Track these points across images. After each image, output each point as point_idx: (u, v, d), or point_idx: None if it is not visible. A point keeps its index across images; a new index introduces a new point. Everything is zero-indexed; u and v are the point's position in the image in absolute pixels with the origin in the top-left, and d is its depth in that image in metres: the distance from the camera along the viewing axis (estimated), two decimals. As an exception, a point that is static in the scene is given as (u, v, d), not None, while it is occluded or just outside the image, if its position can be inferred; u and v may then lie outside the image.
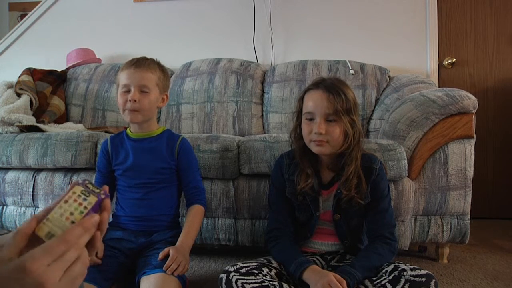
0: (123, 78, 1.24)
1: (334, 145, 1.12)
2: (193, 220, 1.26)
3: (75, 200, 0.51)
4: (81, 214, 0.50)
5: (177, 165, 1.30)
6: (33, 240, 0.47)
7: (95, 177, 1.37)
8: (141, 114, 1.23)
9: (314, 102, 1.13)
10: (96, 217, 0.50)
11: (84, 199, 0.52)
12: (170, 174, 1.29)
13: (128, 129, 1.34)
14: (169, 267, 1.09)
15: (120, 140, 1.33)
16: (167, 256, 1.12)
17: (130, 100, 1.20)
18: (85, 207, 0.51)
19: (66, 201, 0.51)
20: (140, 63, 1.24)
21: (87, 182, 0.53)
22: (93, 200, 0.52)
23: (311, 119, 1.14)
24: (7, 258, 0.43)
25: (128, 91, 1.22)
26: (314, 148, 1.14)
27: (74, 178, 1.63)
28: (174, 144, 1.30)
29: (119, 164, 1.30)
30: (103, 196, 0.53)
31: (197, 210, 1.28)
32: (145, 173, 1.27)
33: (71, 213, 0.50)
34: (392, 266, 1.04)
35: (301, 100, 1.20)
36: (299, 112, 1.20)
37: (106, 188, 0.54)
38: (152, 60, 1.29)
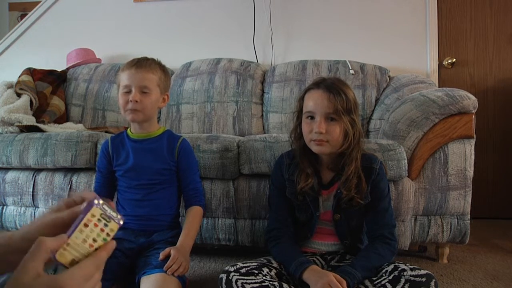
0: (124, 78, 1.24)
1: (334, 145, 1.13)
2: (192, 221, 1.26)
3: (95, 225, 0.51)
4: (104, 241, 0.51)
5: (177, 166, 1.30)
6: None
7: (96, 177, 1.37)
8: (142, 113, 1.24)
9: (315, 101, 1.13)
10: (114, 243, 0.53)
11: (105, 225, 0.52)
12: (170, 175, 1.29)
13: (128, 129, 1.33)
14: (170, 267, 1.09)
15: (121, 140, 1.33)
16: (167, 257, 1.12)
17: (131, 101, 1.20)
18: (108, 234, 0.52)
19: (86, 225, 0.51)
20: (141, 64, 1.24)
21: (103, 203, 0.53)
22: (114, 227, 0.53)
23: (312, 118, 1.14)
24: (35, 272, 0.45)
25: (129, 92, 1.22)
26: (314, 148, 1.14)
27: (74, 178, 1.63)
28: (174, 145, 1.30)
29: (119, 165, 1.30)
30: (122, 222, 0.54)
31: (196, 211, 1.28)
32: (146, 174, 1.27)
33: (94, 240, 0.51)
34: (392, 266, 1.04)
35: (301, 99, 1.20)
36: (299, 112, 1.20)
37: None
38: (153, 60, 1.29)
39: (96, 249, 0.51)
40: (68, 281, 0.45)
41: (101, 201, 0.53)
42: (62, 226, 0.53)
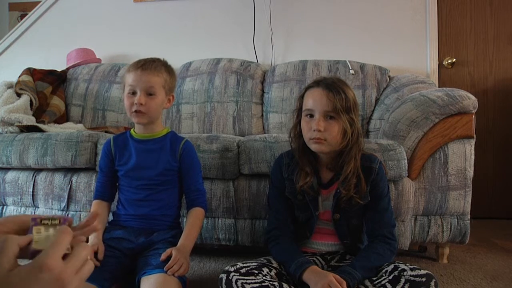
0: (129, 79, 1.23)
1: (332, 144, 1.12)
2: (194, 222, 1.26)
3: (46, 230, 0.51)
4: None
5: (179, 167, 1.30)
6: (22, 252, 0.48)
7: (97, 177, 1.37)
8: (147, 116, 1.24)
9: (314, 99, 1.14)
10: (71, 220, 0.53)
11: (55, 229, 0.51)
12: (172, 176, 1.29)
13: (132, 129, 1.34)
14: (171, 268, 1.09)
15: (124, 140, 1.33)
16: (168, 257, 1.12)
17: (136, 104, 1.20)
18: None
19: (38, 233, 0.51)
20: (147, 66, 1.23)
21: (38, 220, 0.52)
22: (58, 222, 0.52)
23: (311, 116, 1.14)
24: (8, 266, 0.44)
25: (134, 94, 1.22)
26: (313, 146, 1.14)
27: (74, 178, 1.63)
28: (177, 146, 1.30)
29: (122, 164, 1.30)
30: (67, 222, 0.53)
31: (198, 212, 1.28)
32: (148, 175, 1.26)
33: (55, 235, 0.50)
34: (392, 266, 1.04)
35: (301, 98, 1.20)
36: (299, 110, 1.20)
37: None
38: (159, 61, 1.28)
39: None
40: (46, 259, 0.43)
41: (38, 219, 0.52)
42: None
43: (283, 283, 1.02)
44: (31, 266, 0.43)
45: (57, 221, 0.53)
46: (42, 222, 0.52)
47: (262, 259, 1.14)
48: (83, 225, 0.57)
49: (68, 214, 1.65)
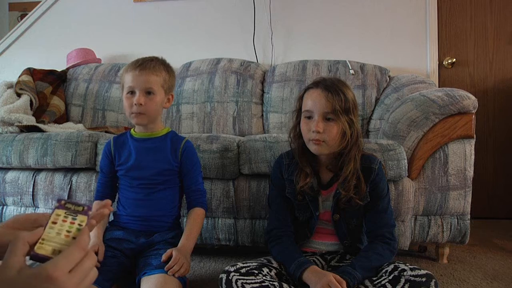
0: (127, 80, 1.23)
1: (331, 145, 1.13)
2: (194, 223, 1.26)
3: (64, 221, 0.51)
4: (78, 231, 0.51)
5: (180, 167, 1.30)
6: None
7: (98, 178, 1.37)
8: (146, 116, 1.23)
9: (313, 100, 1.14)
10: (93, 222, 0.54)
11: (74, 219, 0.52)
12: (172, 175, 1.29)
13: (132, 129, 1.33)
14: (171, 268, 1.09)
15: (124, 140, 1.32)
16: (169, 258, 1.12)
17: (135, 104, 1.20)
18: (80, 225, 0.52)
19: (54, 223, 0.51)
20: (145, 66, 1.22)
21: (63, 202, 0.53)
22: (84, 219, 0.53)
23: (310, 117, 1.14)
24: (18, 266, 0.44)
25: (133, 94, 1.22)
26: (313, 148, 1.14)
27: (74, 178, 1.63)
28: (178, 146, 1.30)
29: (121, 164, 1.30)
30: (90, 212, 0.54)
31: (198, 212, 1.28)
32: (148, 173, 1.26)
33: (68, 231, 0.50)
34: (392, 266, 1.04)
35: (300, 99, 1.20)
36: (298, 111, 1.21)
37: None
38: (157, 60, 1.27)
39: (73, 238, 0.50)
40: (52, 270, 0.43)
41: (63, 202, 0.53)
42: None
43: (283, 283, 1.02)
44: (37, 273, 0.43)
45: (80, 208, 0.53)
46: (66, 205, 0.53)
47: (262, 259, 1.14)
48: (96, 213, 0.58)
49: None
